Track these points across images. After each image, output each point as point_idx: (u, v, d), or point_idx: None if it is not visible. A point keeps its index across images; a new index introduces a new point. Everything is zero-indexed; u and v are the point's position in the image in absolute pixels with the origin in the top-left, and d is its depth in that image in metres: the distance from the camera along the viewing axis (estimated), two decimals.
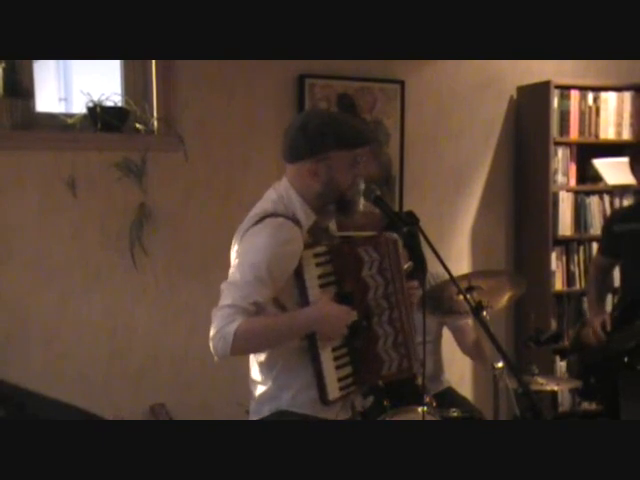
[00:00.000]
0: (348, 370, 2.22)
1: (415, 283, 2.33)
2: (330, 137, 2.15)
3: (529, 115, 4.24)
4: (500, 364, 2.73)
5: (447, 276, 2.19)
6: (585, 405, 4.10)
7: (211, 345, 2.10)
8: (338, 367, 2.20)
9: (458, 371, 4.07)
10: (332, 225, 2.37)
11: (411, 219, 2.18)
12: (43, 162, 3.37)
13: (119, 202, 3.49)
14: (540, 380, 3.05)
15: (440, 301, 2.82)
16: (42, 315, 3.45)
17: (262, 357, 2.24)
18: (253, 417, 2.26)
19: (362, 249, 2.24)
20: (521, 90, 4.28)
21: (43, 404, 3.52)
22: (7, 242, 3.36)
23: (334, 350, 2.20)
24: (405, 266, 2.31)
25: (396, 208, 3.96)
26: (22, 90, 3.32)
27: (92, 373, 3.53)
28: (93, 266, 3.51)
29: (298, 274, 2.15)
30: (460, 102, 4.17)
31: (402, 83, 3.98)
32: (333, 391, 2.18)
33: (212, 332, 2.10)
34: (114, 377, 3.57)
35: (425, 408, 2.63)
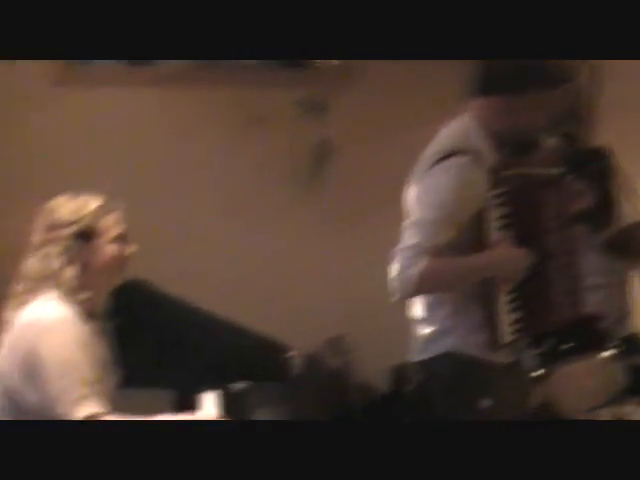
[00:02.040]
0: (520, 314, 2.17)
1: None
2: (531, 73, 2.07)
3: None
4: None
5: None
6: None
7: (392, 285, 2.10)
8: (510, 311, 2.15)
9: None
10: (514, 165, 2.30)
11: (601, 155, 2.08)
12: (225, 99, 3.47)
13: (300, 139, 3.55)
14: None
15: (629, 243, 2.68)
16: (226, 249, 3.60)
17: (430, 297, 2.22)
18: (417, 357, 2.26)
19: (543, 191, 2.17)
20: None
21: (230, 329, 3.73)
22: (190, 178, 3.51)
23: (507, 294, 2.15)
24: (586, 206, 2.22)
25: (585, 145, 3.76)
26: None
27: (272, 306, 3.65)
28: (274, 203, 3.61)
29: (479, 216, 2.11)
30: None
31: None
32: (504, 335, 2.14)
33: (394, 272, 2.09)
34: (293, 311, 3.66)
35: (607, 353, 2.54)
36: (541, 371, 2.24)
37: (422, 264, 2.05)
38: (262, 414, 2.33)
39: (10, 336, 2.02)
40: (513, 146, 2.17)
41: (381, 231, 3.62)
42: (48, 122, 3.48)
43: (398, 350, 3.38)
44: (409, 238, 2.10)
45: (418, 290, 2.07)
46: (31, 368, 1.94)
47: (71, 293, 2.02)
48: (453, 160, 2.09)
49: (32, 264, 2.04)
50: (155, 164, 3.53)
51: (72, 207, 2.06)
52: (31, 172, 3.45)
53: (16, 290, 2.05)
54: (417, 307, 2.27)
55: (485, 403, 2.13)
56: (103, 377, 2.05)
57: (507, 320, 2.15)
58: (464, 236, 2.13)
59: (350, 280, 3.69)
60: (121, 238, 2.09)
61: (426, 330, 2.23)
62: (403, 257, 2.08)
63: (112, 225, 2.07)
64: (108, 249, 2.06)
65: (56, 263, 2.01)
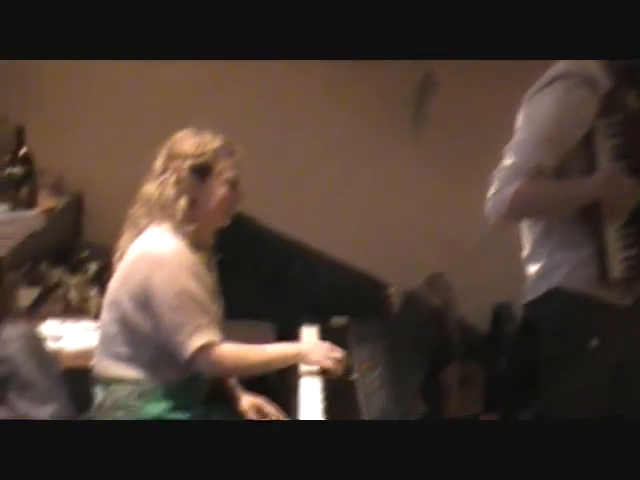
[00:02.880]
0: (634, 251, 2.05)
1: None
2: None
3: None
4: None
5: None
6: None
7: (488, 206, 2.06)
8: (623, 246, 2.05)
9: None
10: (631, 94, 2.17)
11: None
12: None
13: (401, 73, 3.50)
14: None
15: None
16: (330, 187, 3.63)
17: (536, 231, 2.17)
18: (529, 295, 2.20)
19: None
20: None
21: (332, 265, 3.77)
22: (294, 114, 3.53)
23: (620, 228, 2.05)
24: None
25: None
26: None
27: (375, 242, 3.67)
28: (376, 138, 3.60)
29: (587, 142, 2.03)
30: None
31: None
32: (615, 270, 2.04)
33: (490, 192, 2.06)
34: (395, 247, 3.67)
35: None
36: None
37: (515, 185, 2.00)
38: (360, 349, 2.36)
39: (124, 266, 2.10)
40: (631, 74, 2.06)
41: (485, 168, 3.55)
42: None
43: (499, 289, 3.39)
44: (507, 159, 2.05)
45: (511, 211, 2.01)
46: (145, 299, 2.02)
47: (180, 224, 2.07)
48: (561, 82, 2.01)
49: (149, 189, 2.11)
50: (260, 106, 3.55)
51: (195, 141, 2.11)
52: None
53: (132, 214, 2.13)
54: (525, 243, 2.22)
55: (594, 343, 2.08)
56: (214, 307, 2.11)
57: (618, 255, 2.05)
58: (569, 163, 2.05)
59: (452, 218, 3.65)
60: (234, 182, 2.13)
61: (534, 266, 2.18)
62: (499, 178, 2.04)
63: (228, 168, 2.11)
64: (220, 190, 2.11)
65: (170, 191, 2.07)
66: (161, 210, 2.08)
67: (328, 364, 2.13)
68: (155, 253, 2.03)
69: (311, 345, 2.24)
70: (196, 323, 2.00)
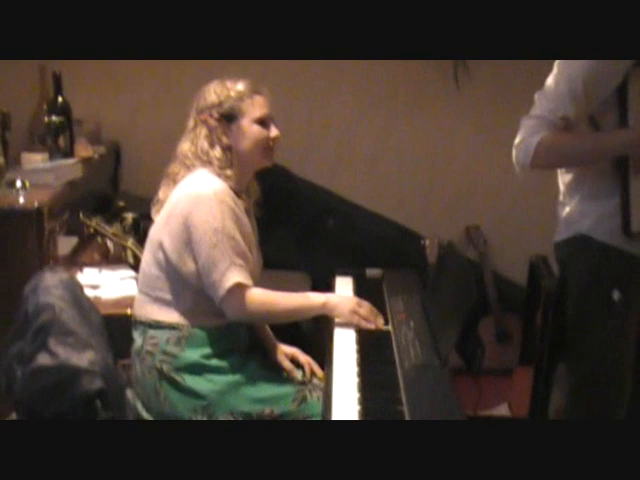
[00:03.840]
0: None
1: None
2: None
3: None
4: None
5: None
6: None
7: (513, 154, 2.06)
8: None
9: None
10: None
11: None
12: None
13: None
14: None
15: None
16: (367, 139, 3.61)
17: (568, 178, 2.17)
18: (557, 237, 2.22)
19: None
20: None
21: (367, 217, 3.79)
22: (336, 67, 3.49)
23: None
24: None
25: None
26: None
27: (411, 191, 3.65)
28: (416, 90, 3.55)
29: (620, 93, 1.99)
30: None
31: None
32: (637, 223, 2.04)
33: (516, 141, 2.05)
34: (432, 199, 3.66)
35: None
36: None
37: (540, 134, 1.99)
38: (396, 301, 2.36)
39: (166, 209, 2.11)
40: None
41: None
42: None
43: (537, 242, 3.35)
44: (536, 108, 2.04)
45: (534, 160, 2.01)
46: (186, 237, 2.03)
47: (219, 171, 2.08)
48: None
49: (184, 146, 2.13)
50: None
51: (218, 90, 2.11)
52: None
53: (171, 171, 2.14)
54: (562, 189, 2.22)
55: (616, 295, 2.08)
56: (251, 254, 2.11)
57: None
58: (601, 115, 2.03)
59: (490, 171, 3.60)
60: (265, 120, 2.12)
61: (564, 213, 2.19)
62: (525, 126, 2.04)
63: (256, 107, 2.10)
64: (251, 130, 2.10)
65: (204, 144, 2.09)
66: (198, 162, 2.10)
67: (354, 320, 2.14)
68: (196, 191, 2.05)
69: (339, 298, 2.24)
70: (231, 262, 2.01)
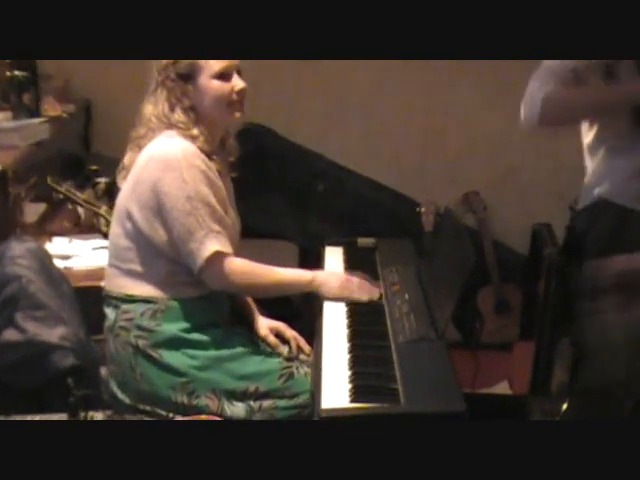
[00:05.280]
0: None
1: None
2: None
3: None
4: None
5: None
6: None
7: (521, 112, 2.04)
8: None
9: None
10: None
11: None
12: None
13: None
14: None
15: None
16: (359, 92, 3.53)
17: (588, 139, 2.14)
18: (581, 203, 2.18)
19: None
20: None
21: (359, 182, 3.68)
22: None
23: None
24: None
25: None
26: None
27: (406, 154, 3.58)
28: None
29: None
30: None
31: None
32: None
33: (524, 98, 2.04)
34: (428, 160, 3.58)
35: None
36: None
37: (548, 87, 1.98)
38: (389, 271, 2.26)
39: (132, 175, 2.04)
40: None
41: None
42: None
43: (538, 209, 3.26)
44: (544, 62, 2.02)
45: (542, 115, 1.98)
46: (156, 205, 1.97)
47: (184, 131, 2.02)
48: None
49: (147, 109, 2.07)
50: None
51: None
52: None
53: (135, 135, 2.08)
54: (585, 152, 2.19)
55: None
56: (228, 219, 2.05)
57: None
58: (615, 67, 1.99)
59: (489, 135, 3.52)
60: (226, 73, 2.03)
61: (588, 175, 2.16)
62: (534, 80, 2.03)
63: (212, 61, 2.02)
64: (210, 86, 2.03)
65: (165, 107, 2.04)
66: (161, 124, 2.03)
67: (345, 294, 2.08)
68: (163, 155, 1.98)
69: (328, 274, 2.18)
70: (207, 229, 1.95)
